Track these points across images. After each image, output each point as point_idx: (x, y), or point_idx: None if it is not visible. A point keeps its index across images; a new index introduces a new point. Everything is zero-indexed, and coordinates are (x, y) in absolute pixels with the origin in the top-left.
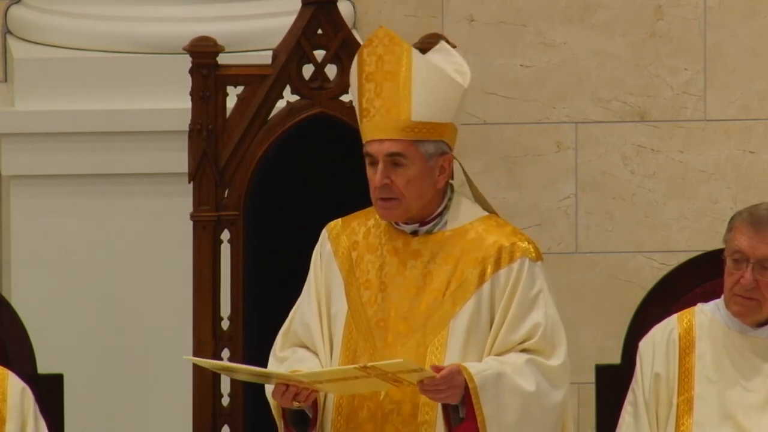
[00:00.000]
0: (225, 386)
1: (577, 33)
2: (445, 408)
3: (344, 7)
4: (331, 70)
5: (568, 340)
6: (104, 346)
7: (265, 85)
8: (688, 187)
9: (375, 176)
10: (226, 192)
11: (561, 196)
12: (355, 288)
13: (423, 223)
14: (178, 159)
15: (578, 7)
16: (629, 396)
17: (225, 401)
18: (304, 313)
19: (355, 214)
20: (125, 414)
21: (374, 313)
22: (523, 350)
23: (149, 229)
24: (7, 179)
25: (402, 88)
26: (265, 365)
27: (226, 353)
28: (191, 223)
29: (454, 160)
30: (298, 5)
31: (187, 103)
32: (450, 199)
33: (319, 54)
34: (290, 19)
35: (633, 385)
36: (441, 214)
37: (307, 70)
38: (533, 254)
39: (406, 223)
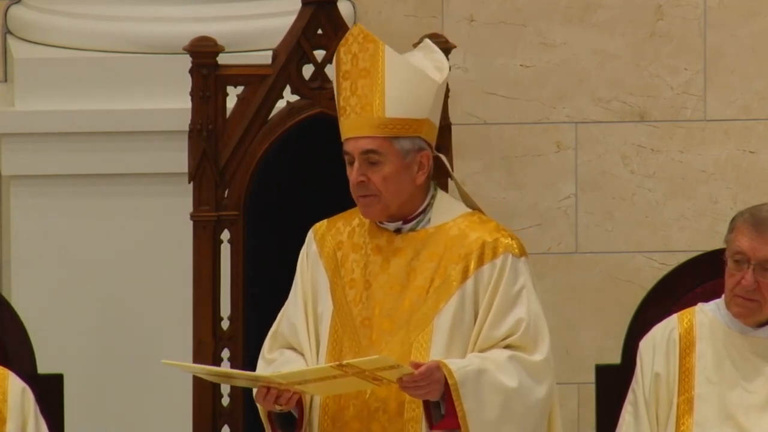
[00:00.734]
0: (225, 387)
1: (577, 33)
2: (426, 404)
3: (344, 7)
4: (331, 70)
5: (568, 339)
6: (104, 346)
7: (265, 85)
8: (688, 187)
9: (352, 174)
10: (226, 192)
11: (561, 196)
12: (341, 287)
13: (406, 221)
14: (178, 159)
15: (578, 7)
16: (629, 396)
17: (225, 401)
18: (290, 314)
19: (340, 214)
20: (125, 414)
21: (359, 311)
22: (506, 346)
23: (149, 229)
24: (7, 179)
25: (375, 85)
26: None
27: (226, 353)
28: (191, 223)
29: (441, 157)
30: (298, 5)
31: (187, 103)
32: (433, 197)
33: (319, 54)
34: (290, 19)
35: (633, 384)
36: (424, 211)
37: (307, 70)
38: (516, 250)
39: (390, 221)
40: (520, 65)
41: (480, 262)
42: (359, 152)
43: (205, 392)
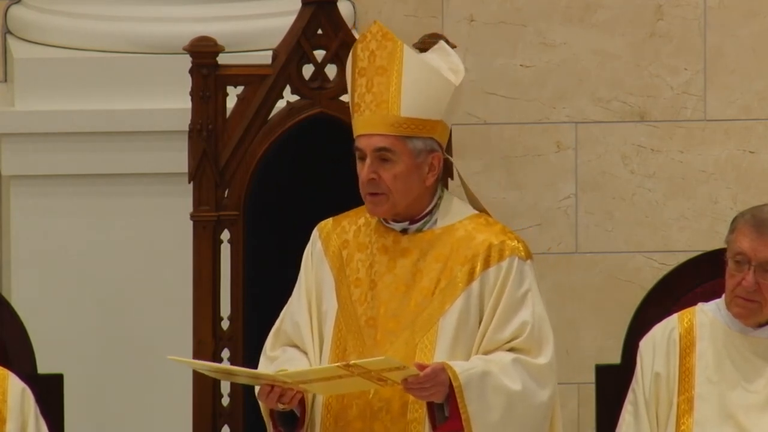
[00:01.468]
0: (225, 386)
1: (577, 33)
2: (430, 406)
3: (344, 7)
4: (331, 70)
5: (568, 339)
6: (104, 346)
7: (265, 85)
8: (688, 187)
9: (363, 171)
10: (226, 192)
11: (561, 196)
12: (346, 286)
13: (413, 221)
14: (178, 159)
15: (578, 7)
16: (629, 395)
17: (225, 401)
18: (294, 312)
19: (345, 213)
20: (125, 414)
21: (364, 311)
22: (511, 349)
23: (149, 229)
24: (7, 179)
25: (393, 84)
26: None
27: (226, 353)
28: (191, 223)
29: (451, 160)
30: (298, 5)
31: (187, 103)
32: (440, 198)
33: (319, 54)
34: (290, 19)
35: (633, 384)
36: (431, 212)
37: (307, 70)
38: (522, 253)
39: (396, 221)
40: (520, 65)
41: (486, 264)
42: (372, 149)
43: (205, 392)
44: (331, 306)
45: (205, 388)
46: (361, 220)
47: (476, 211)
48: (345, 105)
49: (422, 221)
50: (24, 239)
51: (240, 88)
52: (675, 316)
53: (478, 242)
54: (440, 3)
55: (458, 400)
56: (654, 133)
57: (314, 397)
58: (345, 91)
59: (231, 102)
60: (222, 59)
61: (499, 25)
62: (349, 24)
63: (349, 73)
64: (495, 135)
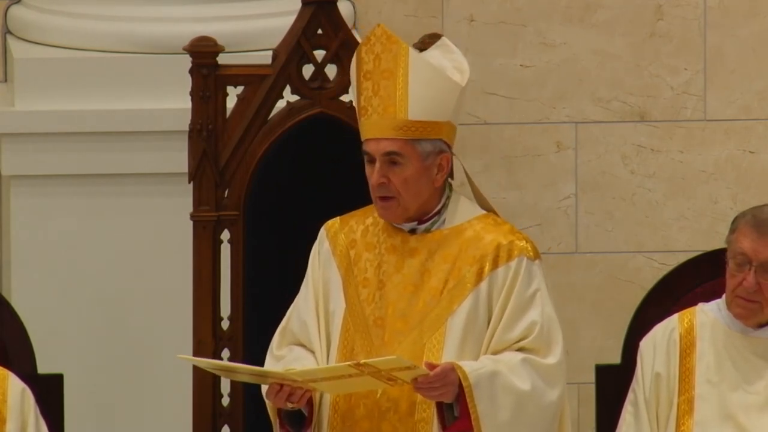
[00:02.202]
0: (225, 386)
1: (577, 33)
2: (440, 406)
3: (344, 7)
4: (331, 70)
5: (568, 339)
6: (104, 346)
7: (265, 85)
8: (688, 187)
9: (373, 175)
10: (226, 192)
11: (561, 196)
12: (353, 286)
13: (421, 221)
14: (178, 159)
15: (578, 7)
16: (630, 396)
17: (225, 401)
18: (301, 311)
19: (353, 212)
20: (125, 414)
21: (372, 311)
22: (519, 349)
23: (149, 229)
24: (7, 179)
25: (399, 87)
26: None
27: (226, 353)
28: (191, 223)
29: (455, 159)
30: (298, 5)
31: (187, 103)
32: (448, 198)
33: (319, 54)
34: (290, 19)
35: (633, 384)
36: (439, 212)
37: (307, 70)
38: (531, 253)
39: (404, 221)
40: (520, 65)
41: (495, 264)
42: (381, 154)
43: (205, 392)
44: (338, 306)
45: (205, 388)
46: (369, 220)
47: (484, 211)
48: (345, 105)
49: (431, 221)
50: (24, 239)
51: (240, 88)
52: (675, 317)
53: (486, 242)
54: (440, 3)
55: (468, 400)
56: (654, 133)
57: (321, 396)
58: (345, 91)
59: (231, 102)
60: (222, 59)
61: (499, 25)
62: (349, 24)
63: (354, 77)
64: (495, 135)
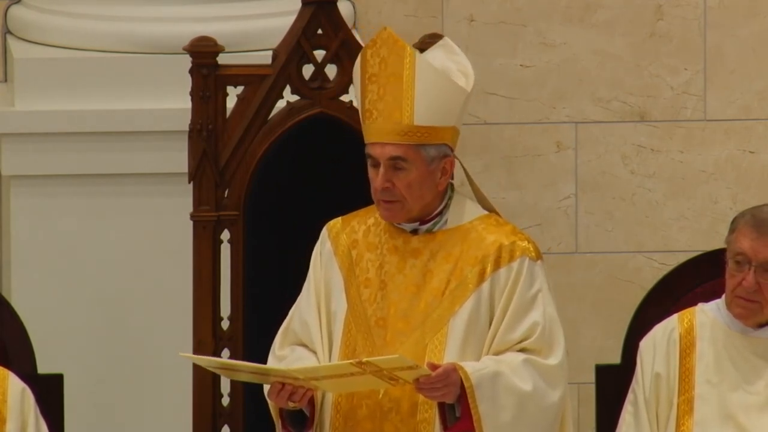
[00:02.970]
0: (225, 386)
1: (577, 33)
2: (441, 406)
3: (344, 7)
4: (331, 70)
5: (568, 339)
6: (104, 346)
7: (265, 85)
8: (688, 187)
9: (376, 179)
10: (226, 192)
11: (561, 196)
12: (355, 286)
13: (423, 222)
14: (178, 159)
15: (578, 7)
16: (630, 396)
17: (225, 401)
18: (303, 311)
19: (355, 212)
20: (125, 414)
21: (374, 311)
22: (521, 349)
23: (149, 229)
24: (7, 179)
25: (404, 92)
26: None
27: (226, 353)
28: (191, 223)
29: (460, 162)
30: (298, 5)
31: (187, 103)
32: (450, 198)
33: (319, 54)
34: (290, 19)
35: (633, 384)
36: (441, 212)
37: (307, 70)
38: (533, 253)
39: (406, 222)
40: (520, 65)
41: (497, 265)
42: (385, 158)
43: (205, 392)
44: (340, 306)
45: (205, 388)
46: (371, 220)
47: (486, 212)
48: (345, 105)
49: (432, 222)
50: (24, 239)
51: (240, 88)
52: (675, 317)
53: (488, 243)
54: (440, 3)
55: (470, 401)
56: (654, 133)
57: (323, 396)
58: (345, 91)
59: (231, 102)
60: (222, 59)
61: (499, 25)
62: (349, 24)
63: (358, 79)
64: (495, 135)
